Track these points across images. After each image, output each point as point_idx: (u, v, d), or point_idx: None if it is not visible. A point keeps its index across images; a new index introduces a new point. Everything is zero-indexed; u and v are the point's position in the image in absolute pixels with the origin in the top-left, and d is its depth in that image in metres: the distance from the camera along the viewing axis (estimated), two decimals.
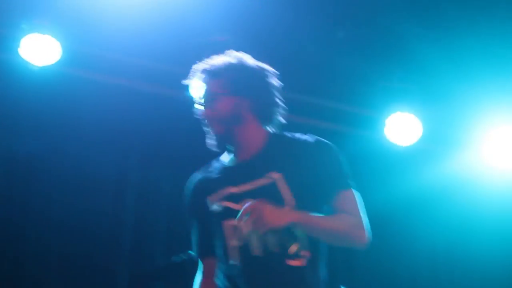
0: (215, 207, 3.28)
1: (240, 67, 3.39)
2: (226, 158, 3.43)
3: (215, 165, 3.45)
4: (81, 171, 6.37)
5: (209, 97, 3.36)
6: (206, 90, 3.37)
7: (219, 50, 5.69)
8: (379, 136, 6.85)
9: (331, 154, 3.33)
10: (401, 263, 7.40)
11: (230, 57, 3.42)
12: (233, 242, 3.23)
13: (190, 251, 5.40)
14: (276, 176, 3.23)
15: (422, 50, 6.36)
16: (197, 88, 3.41)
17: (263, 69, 3.41)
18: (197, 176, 3.48)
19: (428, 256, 7.50)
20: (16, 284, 6.10)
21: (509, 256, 7.55)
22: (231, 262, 3.26)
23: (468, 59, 6.57)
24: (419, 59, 6.48)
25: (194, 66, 3.43)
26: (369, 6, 6.04)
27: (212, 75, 3.36)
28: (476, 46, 6.50)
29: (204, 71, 3.39)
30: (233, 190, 3.26)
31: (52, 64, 5.79)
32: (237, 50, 5.79)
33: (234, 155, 3.39)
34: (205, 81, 3.38)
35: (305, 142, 3.35)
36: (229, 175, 3.35)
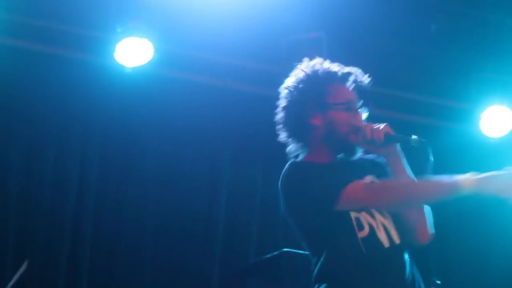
0: None
1: None
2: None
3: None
4: (174, 171, 6.44)
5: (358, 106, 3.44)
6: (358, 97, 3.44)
7: (311, 47, 5.76)
8: (474, 129, 6.73)
9: None
10: (490, 263, 7.26)
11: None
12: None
13: (284, 249, 5.45)
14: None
15: None
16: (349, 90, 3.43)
17: None
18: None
19: None
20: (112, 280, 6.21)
21: None
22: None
23: None
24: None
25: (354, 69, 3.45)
26: None
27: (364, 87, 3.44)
28: None
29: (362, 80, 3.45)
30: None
31: (144, 65, 5.86)
32: (329, 47, 5.83)
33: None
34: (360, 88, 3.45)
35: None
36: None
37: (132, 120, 6.33)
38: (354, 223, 3.25)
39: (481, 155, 7.06)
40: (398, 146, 3.33)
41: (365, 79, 3.43)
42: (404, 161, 3.35)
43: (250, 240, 6.53)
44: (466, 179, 3.12)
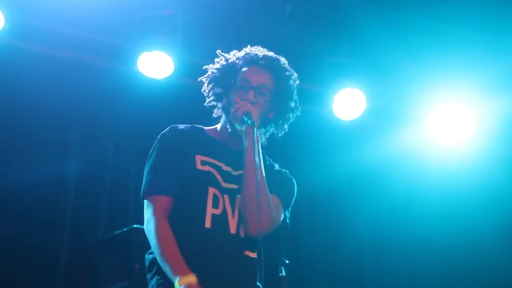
0: (202, 167, 3.48)
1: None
2: (215, 134, 3.63)
3: (204, 133, 3.64)
4: (22, 143, 6.25)
5: (264, 88, 3.56)
6: (265, 79, 3.57)
7: (165, 24, 5.69)
8: (326, 111, 6.84)
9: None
10: (345, 238, 7.44)
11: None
12: (212, 210, 3.42)
13: (134, 225, 5.39)
14: None
15: (368, 25, 6.36)
16: (255, 71, 3.57)
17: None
18: (187, 129, 3.61)
19: (372, 231, 7.54)
20: None
21: (452, 232, 7.62)
22: (203, 226, 3.38)
23: (414, 35, 6.60)
24: (365, 34, 6.48)
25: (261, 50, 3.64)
26: None
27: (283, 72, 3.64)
28: (422, 22, 6.52)
29: (276, 62, 3.62)
30: (223, 166, 3.52)
31: None
32: (183, 24, 5.77)
33: (225, 139, 3.60)
34: (271, 72, 3.59)
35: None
36: (219, 150, 3.57)
37: None
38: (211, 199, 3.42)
39: (334, 137, 7.22)
40: (255, 130, 3.43)
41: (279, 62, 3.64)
42: (257, 147, 3.43)
43: (100, 216, 6.41)
44: (183, 278, 3.21)
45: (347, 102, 6.80)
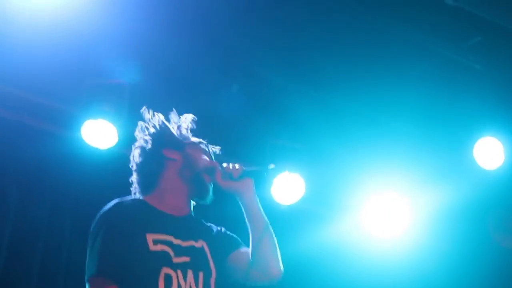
0: (154, 247, 3.34)
1: None
2: (156, 204, 3.53)
3: (147, 205, 3.54)
4: None
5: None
6: None
7: (113, 93, 5.72)
8: (266, 194, 6.85)
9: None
10: None
11: None
12: None
13: None
14: (204, 244, 3.51)
15: (306, 110, 6.45)
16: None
17: None
18: (132, 204, 3.50)
19: None
20: None
21: None
22: None
23: (349, 122, 6.70)
24: (304, 119, 6.57)
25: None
26: (259, 61, 6.10)
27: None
28: (358, 109, 6.64)
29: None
30: (172, 240, 3.41)
31: None
32: (132, 95, 5.81)
33: (166, 208, 3.54)
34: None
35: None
36: (166, 222, 3.47)
37: None
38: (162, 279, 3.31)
39: (271, 222, 7.18)
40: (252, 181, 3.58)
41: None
42: (255, 196, 3.61)
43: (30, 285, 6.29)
44: None
45: (286, 186, 6.84)
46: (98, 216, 3.42)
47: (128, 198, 3.57)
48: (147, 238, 3.35)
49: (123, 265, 3.25)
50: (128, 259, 3.27)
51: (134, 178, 3.67)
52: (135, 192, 3.63)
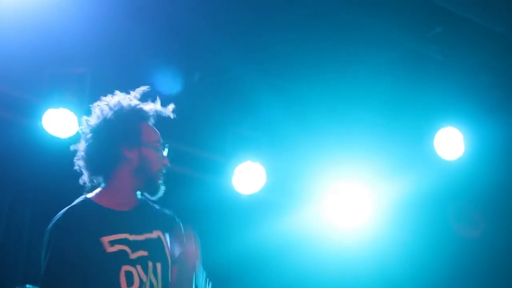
0: (111, 248, 3.28)
1: None
2: (105, 202, 3.42)
3: (96, 206, 3.41)
4: None
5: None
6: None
7: (74, 82, 5.68)
8: (226, 183, 6.85)
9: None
10: None
11: None
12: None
13: (27, 285, 5.26)
14: (159, 233, 3.45)
15: (266, 98, 6.46)
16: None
17: None
18: (80, 210, 3.38)
19: None
20: None
21: None
22: None
23: (310, 110, 6.72)
24: (266, 109, 6.57)
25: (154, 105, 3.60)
26: (221, 49, 6.08)
27: None
28: (319, 97, 6.66)
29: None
30: (128, 236, 3.35)
31: None
32: (93, 84, 5.77)
33: (115, 205, 3.43)
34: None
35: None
36: (120, 220, 3.39)
37: None
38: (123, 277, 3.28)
39: (231, 211, 7.20)
40: None
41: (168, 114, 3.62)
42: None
43: None
44: None
45: (247, 175, 6.84)
46: (48, 228, 3.33)
47: (77, 202, 3.43)
48: (103, 242, 3.28)
49: (77, 275, 3.20)
50: (83, 267, 3.21)
51: (81, 165, 3.52)
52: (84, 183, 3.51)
